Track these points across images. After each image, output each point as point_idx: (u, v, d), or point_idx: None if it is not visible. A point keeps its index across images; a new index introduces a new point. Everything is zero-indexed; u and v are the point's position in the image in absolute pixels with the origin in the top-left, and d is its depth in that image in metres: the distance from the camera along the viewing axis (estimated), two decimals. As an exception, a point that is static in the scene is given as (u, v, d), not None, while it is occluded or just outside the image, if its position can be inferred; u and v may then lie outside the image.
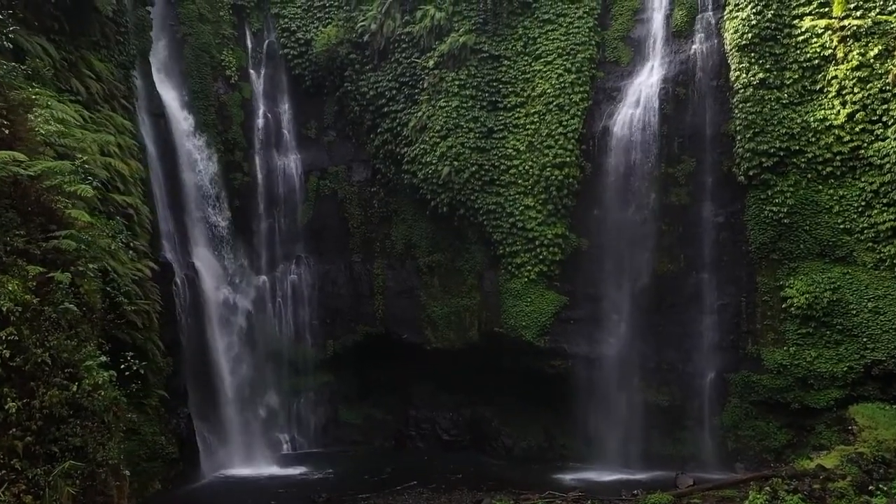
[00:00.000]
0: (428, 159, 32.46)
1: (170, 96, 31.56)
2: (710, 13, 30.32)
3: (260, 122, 35.65)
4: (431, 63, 32.99)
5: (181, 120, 31.51)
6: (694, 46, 30.38)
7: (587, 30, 31.89)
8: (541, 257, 31.25)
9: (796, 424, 28.30)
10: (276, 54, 36.08)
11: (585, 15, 32.06)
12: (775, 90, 28.48)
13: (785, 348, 28.26)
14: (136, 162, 24.90)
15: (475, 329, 32.87)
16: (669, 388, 30.81)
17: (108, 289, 18.24)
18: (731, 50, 29.21)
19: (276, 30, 36.07)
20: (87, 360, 11.55)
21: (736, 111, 28.97)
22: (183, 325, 28.64)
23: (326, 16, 35.62)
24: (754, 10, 28.63)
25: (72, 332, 11.87)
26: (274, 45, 36.14)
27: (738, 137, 28.88)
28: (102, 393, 11.56)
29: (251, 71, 35.85)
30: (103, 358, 11.90)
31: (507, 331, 31.78)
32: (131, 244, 19.86)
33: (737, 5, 29.19)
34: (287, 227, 35.37)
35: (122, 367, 13.39)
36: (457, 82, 32.54)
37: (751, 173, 28.67)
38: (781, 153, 28.22)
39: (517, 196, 31.58)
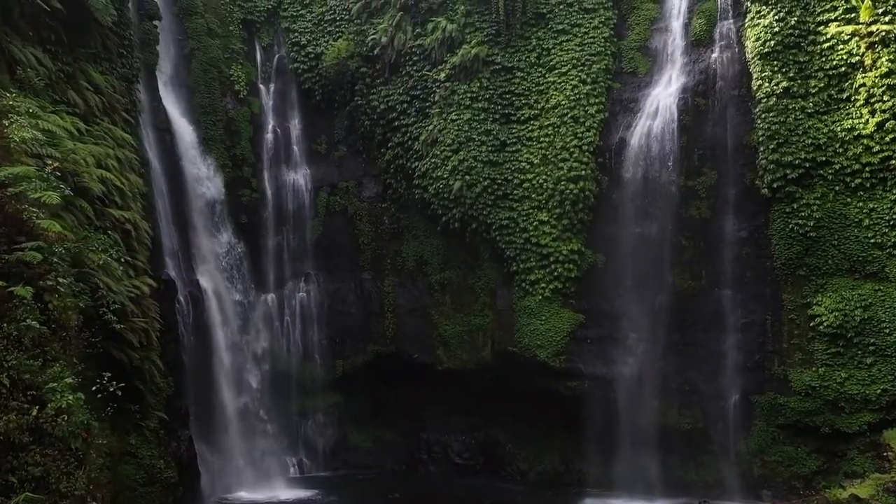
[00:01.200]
0: (439, 174, 31.66)
1: (176, 111, 31.06)
2: (731, 21, 29.30)
3: (269, 137, 35.11)
4: (443, 75, 32.29)
5: (187, 135, 30.96)
6: (714, 55, 29.36)
7: (603, 40, 31.03)
8: (556, 274, 30.21)
9: (827, 450, 26.86)
10: (286, 69, 35.60)
11: (601, 25, 31.22)
12: (800, 99, 27.29)
13: (813, 369, 26.87)
14: (137, 176, 24.23)
15: (488, 349, 31.86)
16: (691, 410, 29.51)
17: (96, 305, 17.40)
18: (752, 58, 28.12)
19: (287, 44, 35.59)
20: (51, 382, 10.63)
21: (759, 121, 27.82)
22: (186, 343, 27.87)
23: (337, 29, 35.13)
24: (777, 17, 27.53)
25: (36, 352, 10.99)
26: (284, 59, 35.67)
27: (762, 148, 27.71)
28: (67, 417, 10.63)
29: (261, 86, 35.37)
30: (69, 380, 10.98)
31: (521, 350, 30.73)
32: (122, 259, 19.07)
33: (758, 12, 28.11)
34: (296, 244, 34.69)
35: (98, 387, 12.48)
36: (469, 95, 31.79)
37: (775, 186, 27.43)
38: (807, 164, 26.96)
39: (531, 211, 30.65)
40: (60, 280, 11.96)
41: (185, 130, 30.89)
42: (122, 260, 19.03)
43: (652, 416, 29.62)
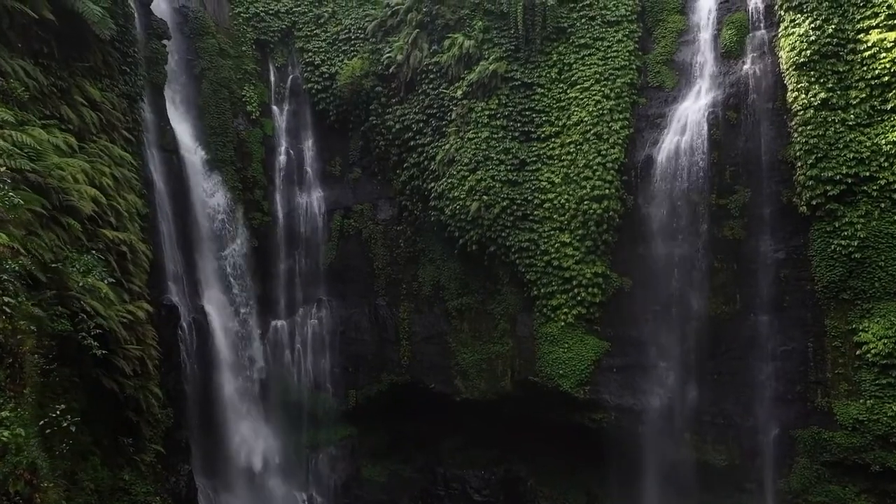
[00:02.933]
0: (456, 194, 30.34)
1: (185, 132, 30.15)
2: (763, 31, 27.84)
3: (282, 158, 34.09)
4: (460, 93, 31.12)
5: (196, 156, 30.02)
6: (745, 67, 27.93)
7: (627, 53, 29.78)
8: (579, 299, 28.81)
9: (878, 490, 25.02)
10: (300, 89, 34.71)
11: (625, 38, 29.97)
12: (840, 111, 25.62)
13: (861, 401, 24.99)
14: (136, 196, 23.13)
15: (508, 378, 30.46)
16: (727, 445, 28.03)
17: (76, 331, 16.14)
18: (787, 69, 26.59)
19: (301, 64, 34.72)
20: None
21: (795, 135, 26.21)
22: (188, 372, 26.63)
23: (352, 49, 34.22)
24: (813, 25, 25.98)
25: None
26: (298, 80, 34.78)
27: (799, 164, 26.09)
28: (1, 457, 9.22)
29: (274, 107, 34.45)
30: (6, 412, 9.58)
31: (542, 380, 29.30)
32: (107, 280, 17.78)
33: (793, 21, 26.60)
34: (308, 269, 33.53)
35: (47, 421, 11.08)
36: (486, 112, 30.56)
37: (814, 203, 25.75)
38: (849, 180, 25.23)
39: (552, 232, 29.31)
40: (8, 300, 10.64)
41: (193, 151, 29.95)
42: (107, 281, 17.71)
43: (684, 450, 28.28)
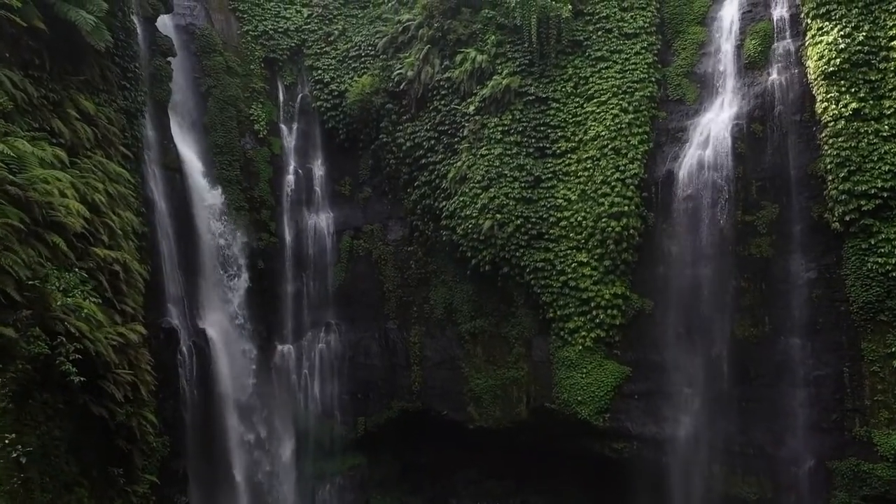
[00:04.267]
0: (468, 212, 29.26)
1: (189, 151, 29.36)
2: (789, 41, 26.74)
3: (290, 178, 33.22)
4: (472, 108, 30.20)
5: (200, 175, 29.15)
6: (771, 78, 26.82)
7: (645, 66, 28.84)
8: (598, 321, 27.61)
9: (924, 527, 23.08)
10: (310, 108, 33.99)
11: (643, 51, 29.06)
12: (873, 122, 24.33)
13: (904, 430, 23.24)
14: (132, 214, 22.20)
15: (523, 405, 29.26)
16: (757, 477, 26.62)
17: (54, 354, 15.08)
18: (815, 79, 25.39)
19: (310, 82, 34.03)
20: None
21: (826, 148, 24.92)
22: (187, 398, 25.56)
23: (362, 66, 33.49)
24: (842, 33, 24.85)
25: None
26: (307, 98, 34.05)
27: (830, 178, 24.78)
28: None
29: (282, 125, 33.65)
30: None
31: (559, 407, 28.05)
32: (89, 300, 16.75)
33: (820, 29, 25.45)
34: (316, 291, 32.52)
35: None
36: (500, 128, 29.58)
37: (847, 219, 24.37)
38: (885, 194, 23.87)
39: (569, 251, 28.18)
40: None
41: (196, 170, 29.09)
42: (91, 301, 16.68)
43: (711, 483, 26.97)
